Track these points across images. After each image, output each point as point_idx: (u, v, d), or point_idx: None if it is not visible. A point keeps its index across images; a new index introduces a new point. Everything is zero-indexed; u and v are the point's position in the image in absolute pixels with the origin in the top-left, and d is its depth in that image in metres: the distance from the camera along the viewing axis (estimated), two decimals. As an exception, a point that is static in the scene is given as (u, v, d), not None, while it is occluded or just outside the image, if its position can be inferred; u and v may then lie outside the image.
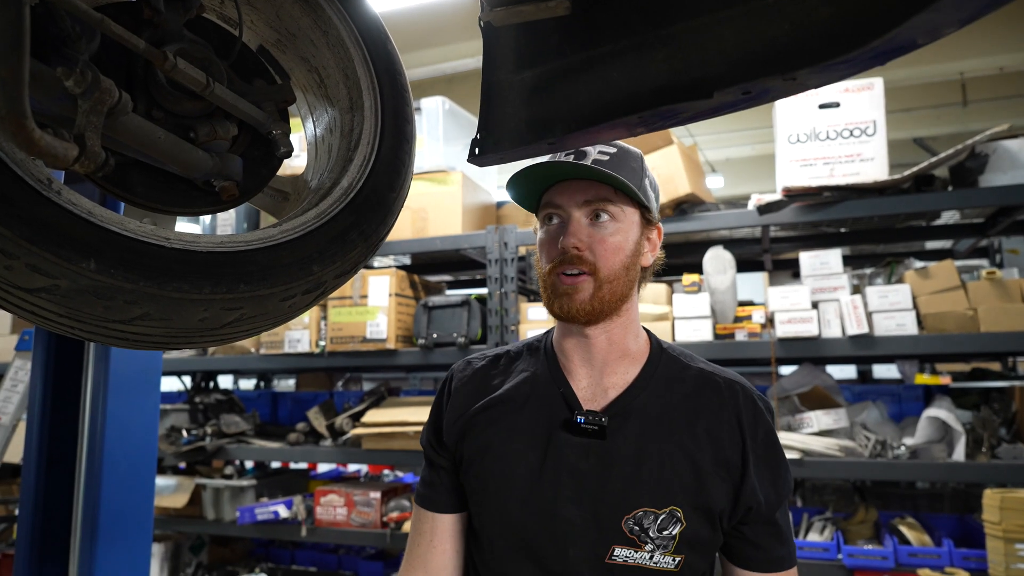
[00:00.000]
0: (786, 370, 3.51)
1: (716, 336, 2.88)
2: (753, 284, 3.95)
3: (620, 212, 1.10)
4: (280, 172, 1.03)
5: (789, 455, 2.70)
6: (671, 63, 0.73)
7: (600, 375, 1.14)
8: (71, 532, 1.82)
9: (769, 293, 2.86)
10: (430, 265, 4.02)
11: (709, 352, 2.80)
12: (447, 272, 4.17)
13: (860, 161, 2.77)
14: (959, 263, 3.04)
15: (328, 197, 0.91)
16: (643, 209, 1.13)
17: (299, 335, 3.39)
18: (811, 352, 2.76)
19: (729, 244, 3.10)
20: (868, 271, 3.11)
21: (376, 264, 3.81)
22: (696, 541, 1.04)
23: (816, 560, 2.66)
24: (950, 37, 0.62)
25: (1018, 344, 2.56)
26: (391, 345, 3.21)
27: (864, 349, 2.67)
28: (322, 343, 3.38)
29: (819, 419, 2.86)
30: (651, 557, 1.03)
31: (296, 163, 3.23)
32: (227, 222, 3.59)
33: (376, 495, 3.29)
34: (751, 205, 2.91)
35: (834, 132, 2.81)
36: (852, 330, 2.67)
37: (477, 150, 0.89)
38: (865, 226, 3.24)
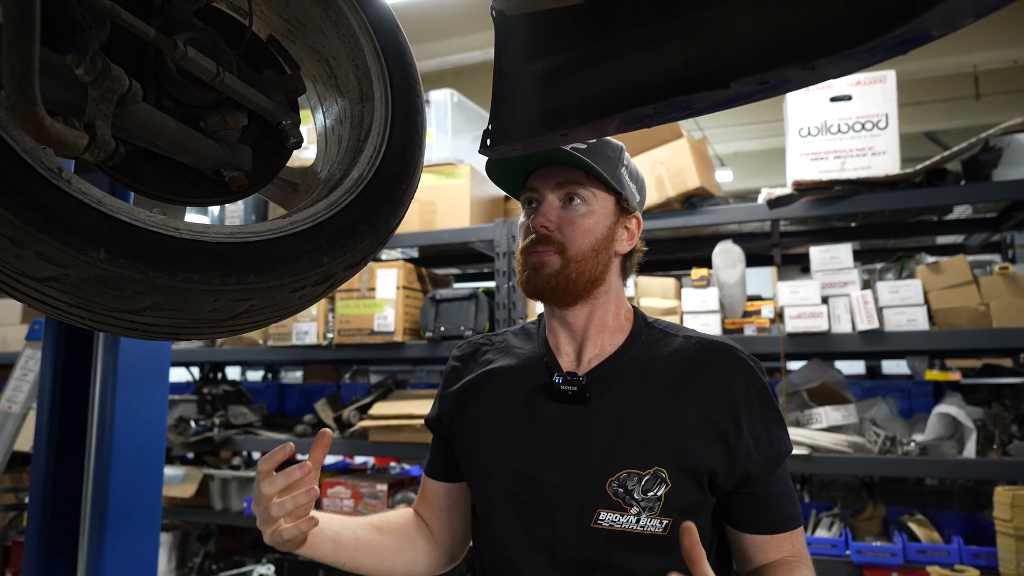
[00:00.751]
0: (795, 365, 3.50)
1: (725, 331, 2.87)
2: (762, 279, 3.93)
3: (591, 196, 1.14)
4: (290, 163, 1.02)
5: (798, 450, 2.68)
6: (686, 53, 0.72)
7: (583, 347, 1.17)
8: (80, 520, 1.83)
9: (778, 288, 2.84)
10: (438, 258, 4.02)
11: (717, 347, 2.78)
12: (455, 265, 4.17)
13: (872, 155, 2.75)
14: (971, 258, 3.01)
15: (338, 188, 0.90)
16: (618, 196, 1.17)
17: (307, 327, 3.40)
18: (820, 347, 2.74)
19: (738, 238, 3.08)
20: (879, 266, 3.09)
21: (384, 257, 3.81)
22: (684, 503, 1.04)
23: (824, 556, 2.65)
24: (963, 30, 0.60)
25: (1030, 340, 2.54)
26: (398, 338, 3.21)
27: (874, 345, 2.65)
28: (330, 335, 3.38)
29: (828, 415, 2.84)
30: (637, 520, 1.03)
31: (306, 155, 3.23)
32: (235, 213, 3.59)
33: (383, 487, 3.30)
34: (761, 199, 2.89)
35: (845, 125, 2.79)
36: (862, 325, 2.65)
37: (488, 141, 0.89)
38: (876, 220, 3.22)
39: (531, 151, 1.06)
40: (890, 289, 2.69)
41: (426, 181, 3.34)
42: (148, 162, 0.87)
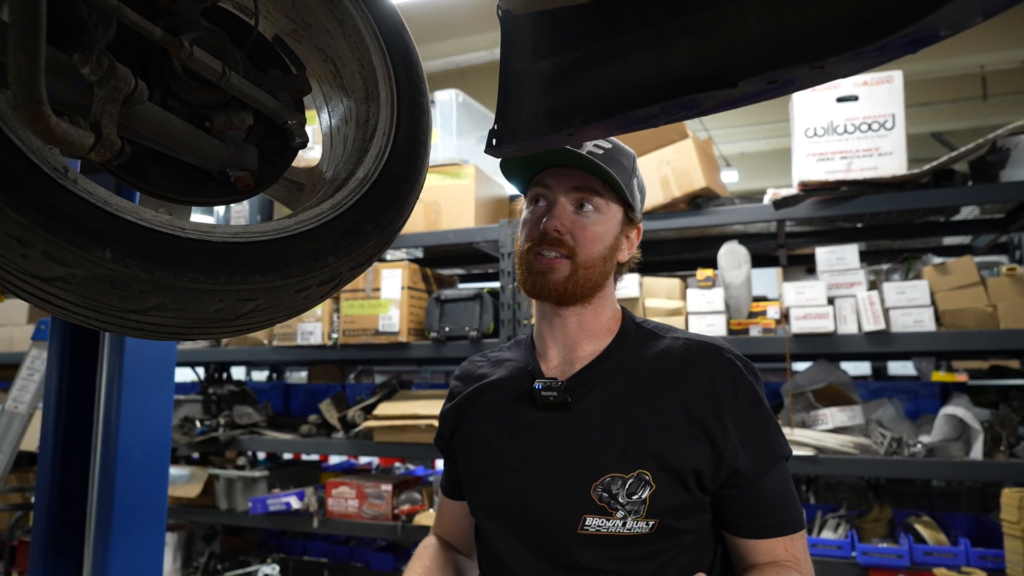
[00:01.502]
0: (801, 366, 3.48)
1: (730, 331, 2.86)
2: (768, 279, 3.92)
3: (605, 205, 1.14)
4: (295, 163, 1.02)
5: (803, 452, 2.67)
6: (693, 53, 0.71)
7: (569, 352, 1.17)
8: (86, 520, 1.83)
9: (784, 288, 2.83)
10: (443, 258, 4.02)
11: (723, 347, 2.77)
12: (459, 265, 4.17)
13: (878, 155, 2.73)
14: (978, 259, 3.00)
15: (343, 188, 0.90)
16: (627, 207, 1.18)
17: (311, 327, 3.40)
18: (826, 348, 2.73)
19: (744, 239, 3.07)
20: (885, 267, 3.07)
21: (389, 257, 3.81)
22: (669, 504, 1.03)
23: (830, 558, 2.64)
24: (970, 31, 0.60)
25: (1038, 342, 2.52)
26: (403, 338, 3.21)
27: (881, 346, 2.64)
28: (334, 335, 3.38)
29: (834, 416, 2.83)
30: (624, 524, 1.03)
31: (311, 155, 3.23)
32: (241, 213, 3.60)
33: (388, 488, 3.30)
34: (766, 200, 2.88)
35: (852, 126, 2.77)
36: (869, 326, 2.64)
37: (494, 141, 0.88)
38: (882, 221, 3.20)
39: (536, 151, 1.06)
40: (897, 290, 2.67)
41: (431, 181, 3.34)
42: (154, 162, 0.87)
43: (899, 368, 5.27)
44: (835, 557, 2.64)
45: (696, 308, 2.92)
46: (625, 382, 1.11)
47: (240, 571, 3.73)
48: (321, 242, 0.84)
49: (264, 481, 3.62)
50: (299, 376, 6.16)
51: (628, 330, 1.19)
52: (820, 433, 2.77)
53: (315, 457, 4.58)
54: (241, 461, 3.82)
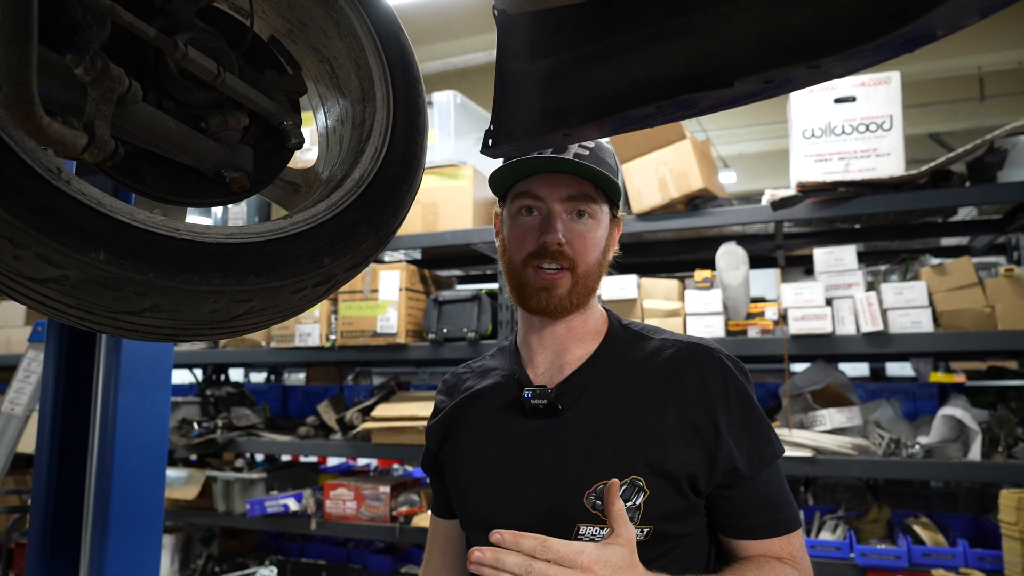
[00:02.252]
0: (799, 367, 3.48)
1: (728, 333, 2.86)
2: (766, 280, 3.92)
3: (598, 210, 1.11)
4: (292, 164, 1.02)
5: (801, 453, 2.67)
6: (689, 52, 0.71)
7: (558, 358, 1.14)
8: (82, 522, 1.83)
9: (782, 289, 2.83)
10: (441, 260, 4.02)
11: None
12: (458, 267, 4.16)
13: (876, 156, 2.74)
14: (976, 260, 3.00)
15: (339, 189, 0.90)
16: (613, 206, 1.15)
17: (309, 329, 3.40)
18: (824, 349, 2.73)
19: (742, 240, 3.07)
20: (883, 268, 3.08)
21: (387, 258, 3.80)
22: (664, 510, 1.01)
23: (828, 559, 2.64)
24: (968, 31, 0.59)
25: (1036, 343, 2.52)
26: (401, 339, 3.21)
27: (879, 347, 2.64)
28: (332, 337, 3.38)
29: (832, 417, 2.83)
30: None
31: (308, 157, 3.23)
32: (239, 215, 3.60)
33: (386, 489, 3.29)
34: (764, 201, 2.88)
35: (850, 127, 2.78)
36: (867, 327, 2.64)
37: (490, 141, 0.88)
38: (880, 222, 3.20)
39: (532, 150, 1.05)
40: (894, 291, 2.68)
41: (429, 183, 3.34)
42: (149, 163, 0.87)
43: (897, 369, 5.28)
44: (833, 558, 2.64)
45: (694, 309, 2.91)
46: (615, 386, 1.08)
47: (238, 573, 3.72)
48: (317, 243, 0.84)
49: (262, 483, 3.61)
50: (297, 378, 6.16)
51: (615, 332, 1.16)
52: (818, 434, 2.77)
53: (313, 459, 4.58)
54: (239, 463, 3.81)
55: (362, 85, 1.01)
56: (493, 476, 1.10)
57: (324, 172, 1.00)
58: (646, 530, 1.01)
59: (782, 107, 3.05)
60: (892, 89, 2.75)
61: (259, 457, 4.24)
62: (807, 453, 2.68)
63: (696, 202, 3.03)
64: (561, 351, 1.14)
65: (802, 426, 2.87)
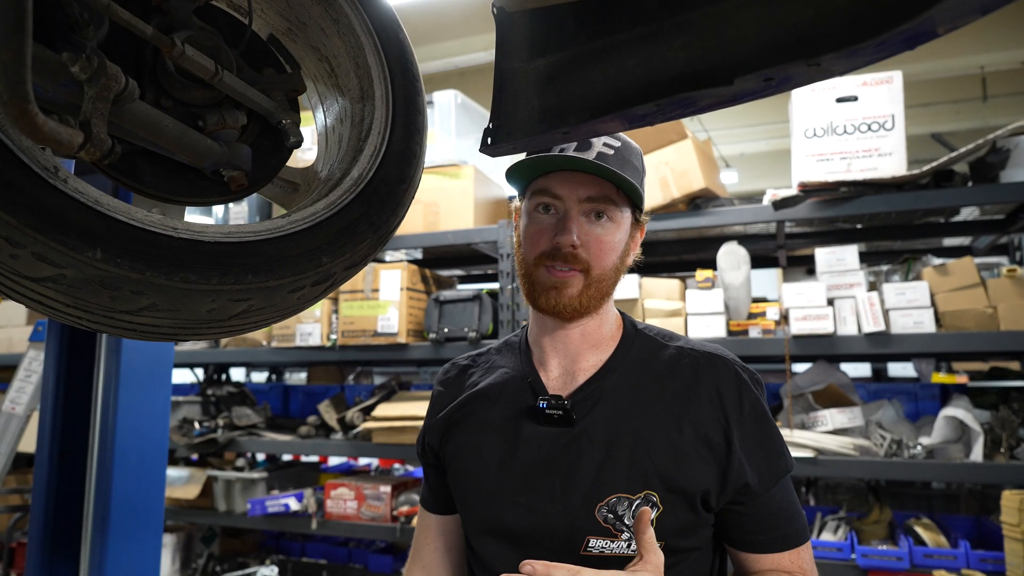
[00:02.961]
0: (800, 367, 3.48)
1: (730, 333, 2.86)
2: (767, 280, 3.92)
3: (618, 213, 1.07)
4: (290, 163, 1.02)
5: (803, 453, 2.67)
6: (689, 50, 0.71)
7: (571, 363, 1.10)
8: (83, 521, 1.83)
9: (784, 289, 2.82)
10: (442, 259, 4.01)
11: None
12: (459, 266, 4.16)
13: (878, 156, 2.73)
14: (978, 260, 2.99)
15: (338, 188, 0.90)
16: (636, 209, 1.10)
17: (310, 328, 3.40)
18: (826, 349, 2.73)
19: (744, 240, 3.07)
20: (885, 268, 3.07)
21: (387, 258, 3.80)
22: (676, 526, 1.00)
23: (830, 560, 2.63)
24: (970, 29, 0.59)
25: (1039, 343, 2.52)
26: (402, 339, 3.21)
27: (881, 347, 2.63)
28: (333, 336, 3.38)
29: (834, 417, 2.82)
30: (628, 546, 0.99)
31: (307, 156, 3.23)
32: (239, 214, 3.60)
33: (386, 489, 3.29)
34: (766, 200, 2.87)
35: (851, 126, 2.77)
36: (868, 327, 2.63)
37: (489, 140, 0.88)
38: (882, 222, 3.19)
39: (531, 149, 1.05)
40: (896, 291, 2.67)
41: (430, 182, 3.34)
42: (147, 161, 0.86)
43: (899, 369, 5.27)
44: (835, 559, 2.63)
45: (695, 309, 2.91)
46: (630, 395, 1.05)
47: (239, 572, 3.72)
48: (315, 242, 0.83)
49: (263, 482, 3.61)
50: (298, 377, 6.16)
51: (630, 338, 1.13)
52: (820, 435, 2.77)
53: (314, 458, 4.58)
54: (240, 462, 3.82)
55: (361, 84, 1.01)
56: (503, 482, 1.06)
57: (323, 171, 1.00)
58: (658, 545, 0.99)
59: (784, 106, 3.04)
60: (894, 89, 2.74)
61: (260, 457, 4.25)
62: (808, 454, 2.67)
63: (697, 202, 3.03)
64: (575, 357, 1.11)
65: (803, 426, 2.87)
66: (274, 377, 5.55)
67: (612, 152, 1.06)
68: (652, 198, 2.96)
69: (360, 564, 3.94)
